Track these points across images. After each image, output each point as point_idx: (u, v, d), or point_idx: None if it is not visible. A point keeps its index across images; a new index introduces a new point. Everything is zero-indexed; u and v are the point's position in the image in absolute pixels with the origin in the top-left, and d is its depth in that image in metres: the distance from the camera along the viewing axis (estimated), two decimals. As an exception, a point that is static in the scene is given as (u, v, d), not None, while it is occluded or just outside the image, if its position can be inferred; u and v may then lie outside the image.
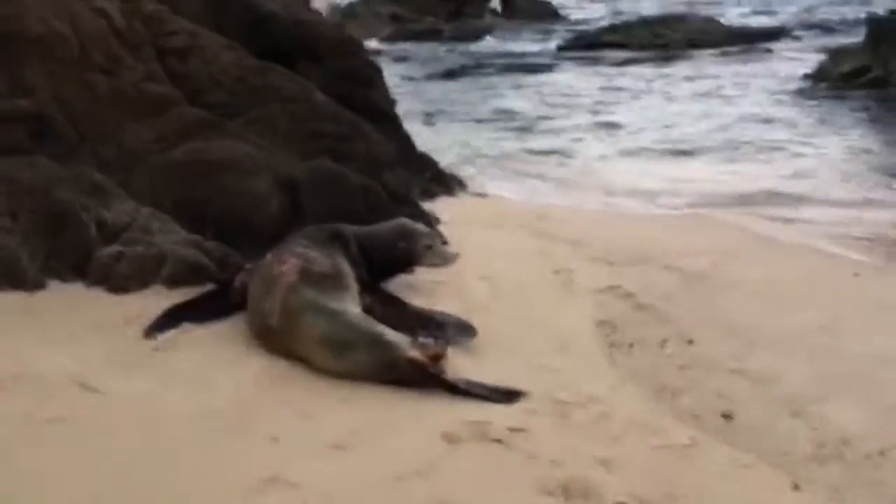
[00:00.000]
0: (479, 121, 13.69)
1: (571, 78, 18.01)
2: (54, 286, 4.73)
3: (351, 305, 4.24)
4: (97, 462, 3.28)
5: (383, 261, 4.84)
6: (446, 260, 5.01)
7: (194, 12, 6.16)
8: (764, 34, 23.61)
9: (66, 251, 4.72)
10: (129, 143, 5.19)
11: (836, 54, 16.17)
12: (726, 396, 4.14)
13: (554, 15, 29.49)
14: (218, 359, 4.14)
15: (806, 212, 8.36)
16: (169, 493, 3.13)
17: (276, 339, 4.17)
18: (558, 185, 9.26)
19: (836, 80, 15.33)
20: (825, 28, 24.35)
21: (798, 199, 8.93)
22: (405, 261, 4.93)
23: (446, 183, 7.77)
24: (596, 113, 14.11)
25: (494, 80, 18.22)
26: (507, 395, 3.92)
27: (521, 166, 10.35)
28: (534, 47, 23.00)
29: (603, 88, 16.52)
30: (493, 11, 29.46)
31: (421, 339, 4.21)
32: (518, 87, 17.22)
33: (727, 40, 22.37)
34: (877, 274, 6.12)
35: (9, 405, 3.59)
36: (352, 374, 4.00)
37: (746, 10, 29.43)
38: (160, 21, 5.56)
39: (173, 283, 4.71)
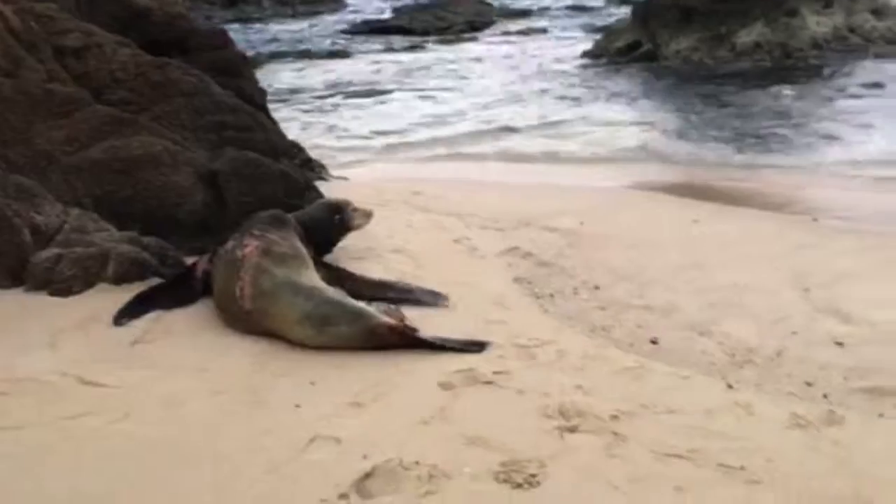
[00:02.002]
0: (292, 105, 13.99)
1: (371, 62, 18.55)
2: (-7, 294, 4.63)
3: (319, 281, 4.55)
4: (138, 447, 3.41)
5: (324, 237, 5.23)
6: (368, 216, 5.59)
7: (68, 9, 6.03)
8: (528, 12, 25.50)
9: (1, 258, 4.62)
10: (39, 145, 5.08)
11: (609, 32, 17.89)
12: (645, 327, 4.91)
13: (332, 0, 29.77)
14: (201, 345, 4.31)
15: (627, 169, 9.56)
16: (218, 464, 3.34)
17: (251, 321, 4.39)
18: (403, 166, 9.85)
19: (613, 55, 17.01)
20: (577, 7, 26.51)
21: (614, 161, 10.14)
22: (343, 231, 5.37)
23: (314, 168, 8.06)
24: (416, 96, 14.81)
25: (296, 64, 18.40)
26: (477, 346, 4.43)
27: (362, 151, 10.84)
28: (322, 32, 23.28)
29: (404, 71, 17.22)
30: (270, -2, 29.27)
31: (380, 307, 4.63)
32: (315, 69, 17.57)
33: (502, 17, 23.90)
34: (710, 220, 7.21)
35: (21, 409, 3.60)
36: (332, 345, 4.33)
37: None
38: (53, 20, 5.43)
39: (119, 280, 4.75)
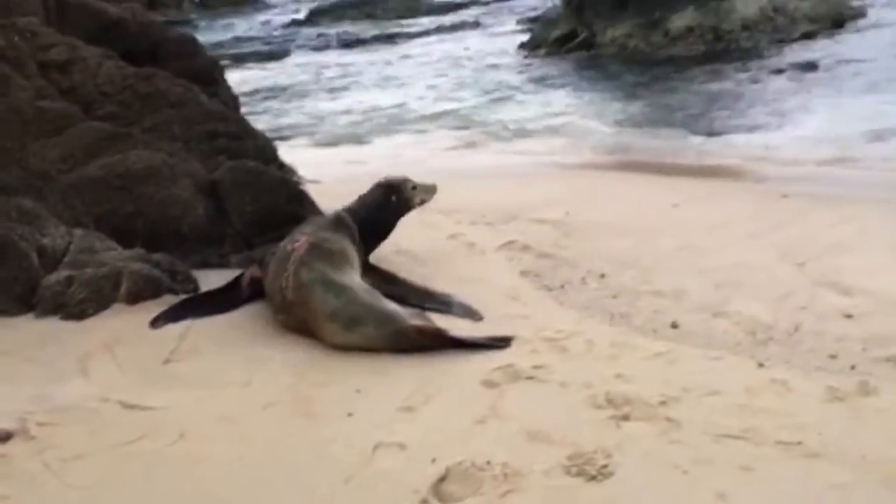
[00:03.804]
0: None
1: (309, 63, 18.40)
2: (4, 323, 4.45)
3: (356, 281, 4.54)
4: (205, 467, 3.35)
5: (384, 223, 5.29)
6: (430, 191, 5.49)
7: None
8: (460, 5, 25.61)
9: (9, 284, 4.46)
10: (34, 165, 4.90)
11: (545, 23, 18.08)
12: (661, 312, 5.00)
13: (253, 0, 29.31)
14: (233, 359, 4.24)
15: (592, 155, 9.74)
16: (292, 477, 3.30)
17: (292, 312, 4.43)
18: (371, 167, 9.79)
19: (551, 46, 17.20)
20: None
21: (577, 148, 10.31)
22: (402, 211, 5.37)
23: (287, 172, 7.96)
24: (363, 93, 14.73)
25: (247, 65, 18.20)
26: (503, 341, 4.46)
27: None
28: (253, 34, 22.92)
29: (345, 71, 17.14)
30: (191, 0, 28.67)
31: (406, 310, 4.63)
32: (253, 73, 17.35)
33: (432, 12, 23.95)
34: (690, 203, 7.37)
35: (74, 438, 3.49)
36: (361, 346, 4.30)
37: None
38: (36, 35, 5.23)
39: (133, 300, 4.64)
